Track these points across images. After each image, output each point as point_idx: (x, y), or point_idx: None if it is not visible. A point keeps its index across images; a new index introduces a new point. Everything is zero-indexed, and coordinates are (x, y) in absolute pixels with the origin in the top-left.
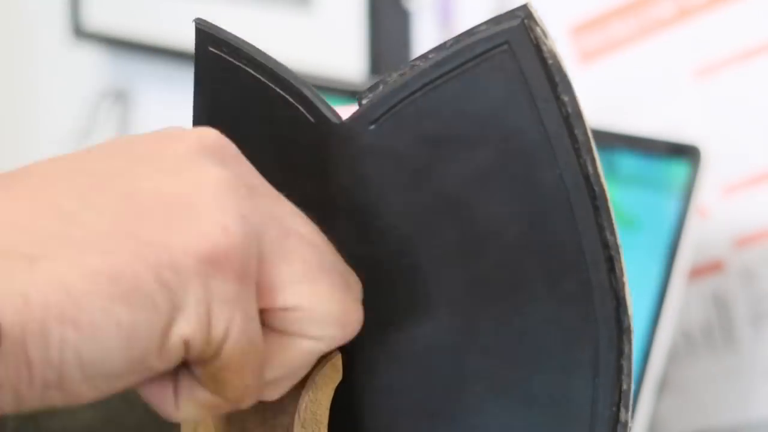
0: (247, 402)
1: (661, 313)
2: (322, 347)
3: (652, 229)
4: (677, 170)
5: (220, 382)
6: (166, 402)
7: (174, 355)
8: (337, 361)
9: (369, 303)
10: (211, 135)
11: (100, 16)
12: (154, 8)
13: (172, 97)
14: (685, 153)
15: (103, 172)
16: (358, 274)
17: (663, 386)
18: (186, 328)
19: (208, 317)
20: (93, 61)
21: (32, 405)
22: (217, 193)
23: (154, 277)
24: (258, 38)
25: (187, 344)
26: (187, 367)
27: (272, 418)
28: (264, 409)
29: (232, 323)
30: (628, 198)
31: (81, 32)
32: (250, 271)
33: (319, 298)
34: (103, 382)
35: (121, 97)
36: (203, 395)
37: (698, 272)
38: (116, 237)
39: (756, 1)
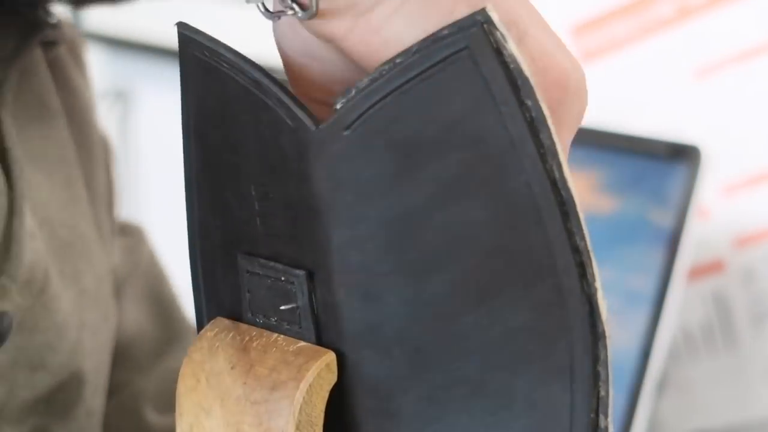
0: None
1: (661, 313)
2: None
3: (653, 229)
4: (677, 170)
5: None
6: None
7: None
8: (332, 362)
9: (359, 305)
10: None
11: (100, 16)
12: (154, 8)
13: (172, 97)
14: (685, 153)
15: None
16: (347, 279)
17: (663, 386)
18: None
19: None
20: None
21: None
22: None
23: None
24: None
25: None
26: None
27: (267, 420)
28: (259, 411)
29: None
30: (628, 198)
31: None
32: None
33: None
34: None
35: (121, 97)
36: None
37: (698, 272)
38: None
39: (756, 1)
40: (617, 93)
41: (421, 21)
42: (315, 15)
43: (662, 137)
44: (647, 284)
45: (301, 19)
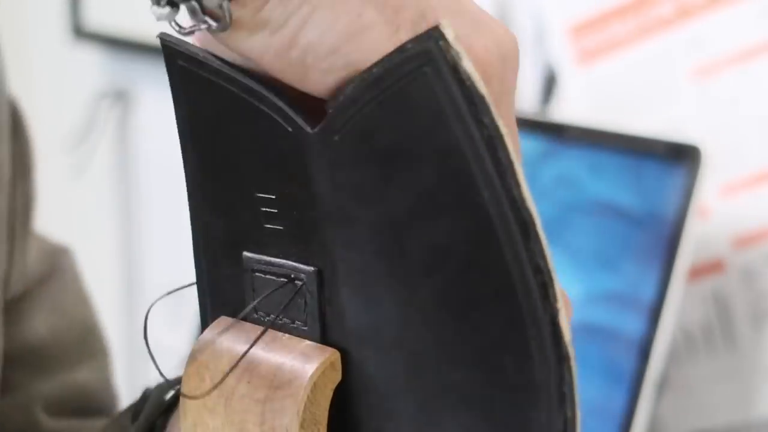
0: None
1: (661, 313)
2: None
3: (652, 229)
4: (677, 170)
5: None
6: None
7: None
8: (336, 361)
9: (361, 305)
10: None
11: (100, 16)
12: None
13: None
14: (685, 153)
15: None
16: (350, 279)
17: (663, 386)
18: None
19: None
20: (93, 61)
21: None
22: None
23: (409, 16)
24: None
25: None
26: None
27: (272, 418)
28: (263, 410)
29: None
30: (628, 198)
31: (81, 32)
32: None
33: None
34: (323, 51)
35: (121, 97)
36: None
37: (698, 272)
38: None
39: (756, 1)
40: (617, 93)
41: (332, 25)
42: (229, 26)
43: (662, 137)
44: (647, 284)
45: (214, 33)
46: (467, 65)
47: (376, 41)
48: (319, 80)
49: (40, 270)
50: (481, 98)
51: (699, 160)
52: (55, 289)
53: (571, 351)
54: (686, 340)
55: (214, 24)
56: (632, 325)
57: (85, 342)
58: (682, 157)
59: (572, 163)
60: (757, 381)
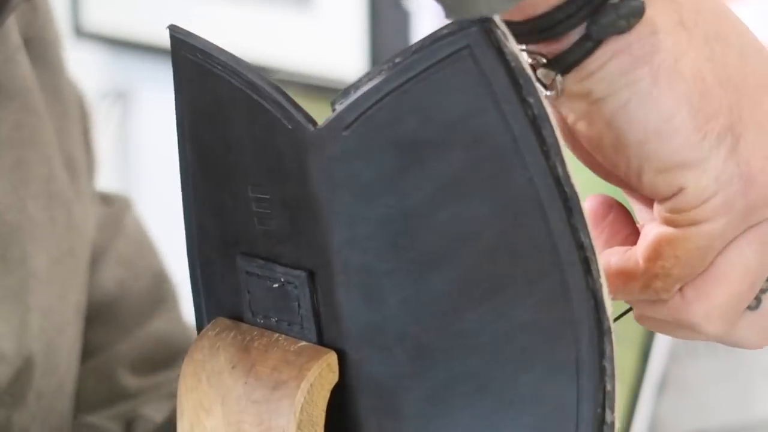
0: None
1: None
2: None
3: None
4: None
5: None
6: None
7: (672, 177)
8: (333, 362)
9: (360, 304)
10: None
11: (100, 16)
12: (154, 8)
13: (172, 97)
14: None
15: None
16: (348, 279)
17: (663, 386)
18: (705, 169)
19: (717, 181)
20: (93, 61)
21: None
22: None
23: (718, 127)
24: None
25: (687, 180)
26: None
27: (268, 419)
28: (260, 410)
29: (719, 201)
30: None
31: (81, 32)
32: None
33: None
34: (628, 140)
35: (121, 97)
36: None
37: None
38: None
39: (756, 1)
40: None
41: (644, 121)
42: (561, 95)
43: None
44: None
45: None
46: (512, 46)
47: (680, 146)
48: (608, 156)
49: (103, 237)
50: (527, 78)
51: None
52: (117, 242)
53: (613, 325)
54: (686, 341)
55: (546, 92)
56: (632, 324)
57: (155, 289)
58: None
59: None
60: (757, 381)
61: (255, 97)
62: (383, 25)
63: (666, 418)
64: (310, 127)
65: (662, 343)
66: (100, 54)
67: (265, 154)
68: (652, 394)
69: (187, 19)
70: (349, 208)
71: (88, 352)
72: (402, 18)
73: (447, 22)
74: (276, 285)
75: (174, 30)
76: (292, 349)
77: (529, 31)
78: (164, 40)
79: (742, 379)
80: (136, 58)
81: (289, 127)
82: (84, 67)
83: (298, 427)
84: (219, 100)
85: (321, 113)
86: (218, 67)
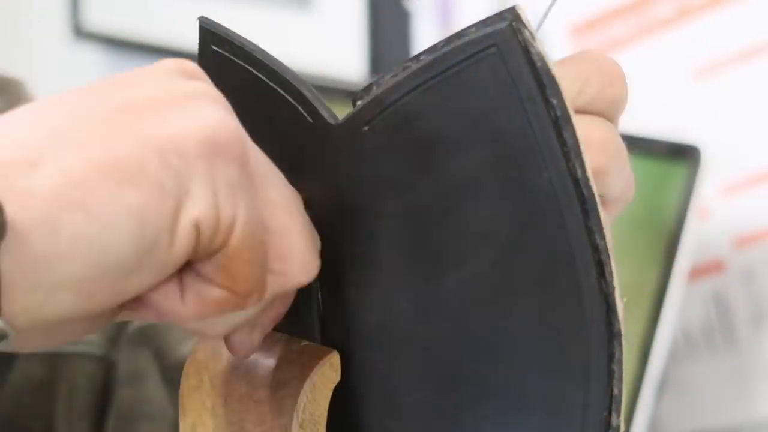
0: (254, 299)
1: (661, 313)
2: (280, 284)
3: (652, 230)
4: (677, 170)
5: (231, 274)
6: (172, 301)
7: (185, 243)
8: (336, 361)
9: (368, 303)
10: (184, 61)
11: (100, 16)
12: (154, 8)
13: None
14: (685, 153)
15: (89, 95)
16: (358, 277)
17: (663, 386)
18: (195, 210)
19: (215, 200)
20: (93, 61)
21: (40, 316)
22: (206, 98)
23: (159, 161)
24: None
25: (197, 228)
26: (192, 268)
27: (271, 419)
28: (262, 410)
29: (238, 208)
30: None
31: (81, 32)
32: (248, 162)
33: (297, 231)
34: (114, 279)
35: None
36: (211, 292)
37: (698, 272)
38: (116, 134)
39: (756, 1)
40: None
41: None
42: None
43: (662, 137)
44: (647, 284)
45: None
46: (539, 46)
47: None
48: None
49: None
50: (552, 79)
51: (699, 160)
52: None
53: (623, 328)
54: (686, 340)
55: None
56: (632, 324)
57: None
58: (681, 157)
59: None
60: (757, 381)
61: (278, 89)
62: (383, 25)
63: (666, 418)
64: (331, 122)
65: (662, 343)
66: (100, 54)
67: (282, 147)
68: (652, 394)
69: (187, 19)
70: (364, 204)
71: None
72: (402, 18)
73: (447, 21)
74: None
75: (204, 21)
76: (294, 348)
77: None
78: (164, 40)
79: (742, 379)
80: (136, 58)
81: (311, 121)
82: (84, 67)
83: (301, 427)
84: (241, 92)
85: None
86: (245, 59)
